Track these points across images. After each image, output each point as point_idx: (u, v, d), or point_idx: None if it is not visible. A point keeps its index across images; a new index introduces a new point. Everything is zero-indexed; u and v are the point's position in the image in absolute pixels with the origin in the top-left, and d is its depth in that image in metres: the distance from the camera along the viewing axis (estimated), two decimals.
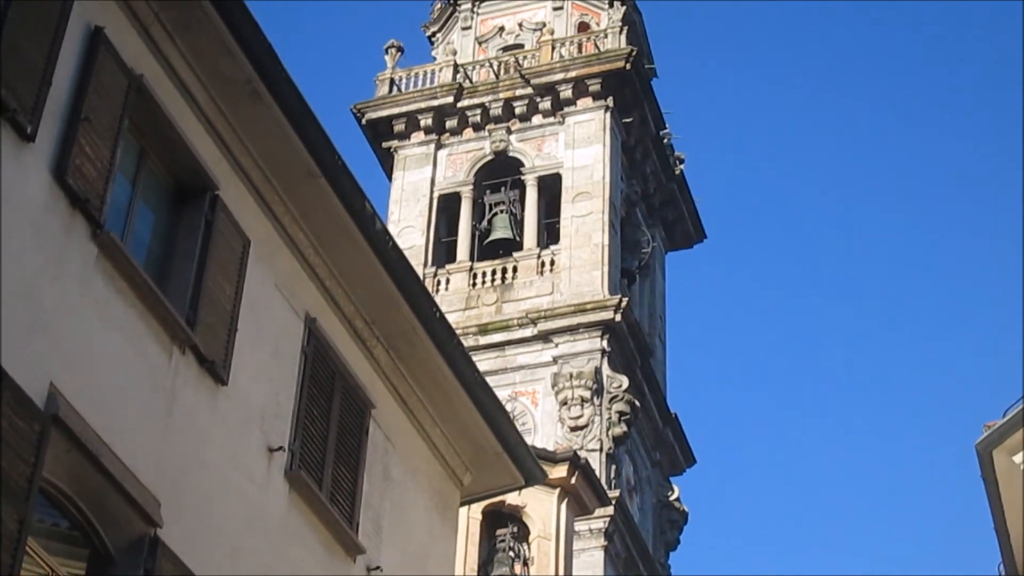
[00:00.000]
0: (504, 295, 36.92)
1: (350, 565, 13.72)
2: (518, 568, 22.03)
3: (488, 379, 16.69)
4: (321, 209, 13.53)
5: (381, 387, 14.83)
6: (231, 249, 12.46)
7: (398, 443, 15.02)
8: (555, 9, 43.16)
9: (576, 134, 39.11)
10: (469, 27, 43.71)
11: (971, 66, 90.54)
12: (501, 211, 38.82)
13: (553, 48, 40.59)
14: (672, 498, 38.04)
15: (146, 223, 11.98)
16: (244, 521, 12.19)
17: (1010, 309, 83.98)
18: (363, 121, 40.64)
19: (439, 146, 40.19)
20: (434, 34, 44.62)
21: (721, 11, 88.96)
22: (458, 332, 17.34)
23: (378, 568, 14.11)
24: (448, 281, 37.69)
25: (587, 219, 37.55)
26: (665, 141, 42.28)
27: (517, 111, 39.92)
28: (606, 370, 34.78)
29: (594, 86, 39.32)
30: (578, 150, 38.79)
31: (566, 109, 39.50)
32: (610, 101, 39.30)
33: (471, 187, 39.40)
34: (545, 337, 35.43)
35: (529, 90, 39.78)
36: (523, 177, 39.28)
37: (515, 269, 37.48)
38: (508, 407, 24.70)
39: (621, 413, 34.37)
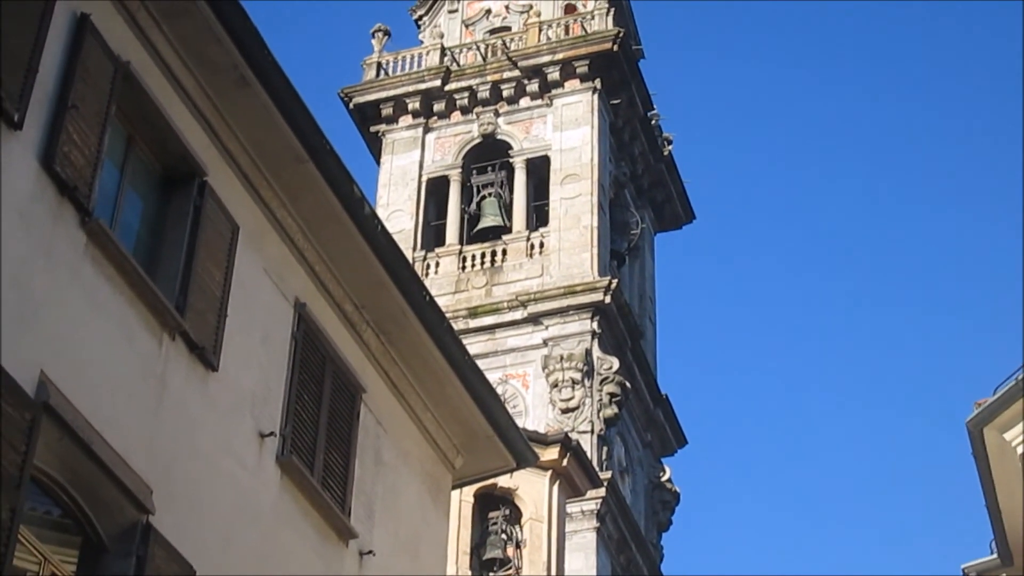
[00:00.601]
0: (494, 278, 36.90)
1: (343, 549, 13.73)
2: (511, 550, 22.08)
3: (479, 362, 16.70)
4: (310, 194, 13.52)
5: (372, 371, 14.83)
6: (220, 235, 12.45)
7: (389, 427, 15.02)
8: None
9: (564, 116, 39.10)
10: (456, 10, 43.65)
11: (955, 40, 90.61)
12: (490, 194, 38.79)
13: (540, 30, 40.56)
14: (664, 479, 38.08)
15: (135, 210, 11.96)
16: (236, 507, 12.19)
17: (1000, 287, 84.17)
18: (351, 105, 40.60)
19: (427, 130, 40.16)
20: (421, 17, 44.54)
21: None
22: (448, 315, 17.34)
23: (371, 552, 14.12)
24: (437, 264, 37.68)
25: (576, 201, 37.55)
26: (653, 122, 42.28)
27: (505, 94, 39.88)
28: (596, 352, 34.80)
29: (581, 68, 39.30)
30: (566, 132, 38.78)
31: (554, 91, 39.47)
32: (597, 83, 39.27)
33: (459, 170, 39.37)
34: (535, 319, 35.44)
35: (516, 72, 39.75)
36: (511, 160, 39.26)
37: (504, 252, 37.47)
38: (499, 390, 24.74)
39: (612, 395, 34.39)
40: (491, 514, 22.09)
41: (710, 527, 77.80)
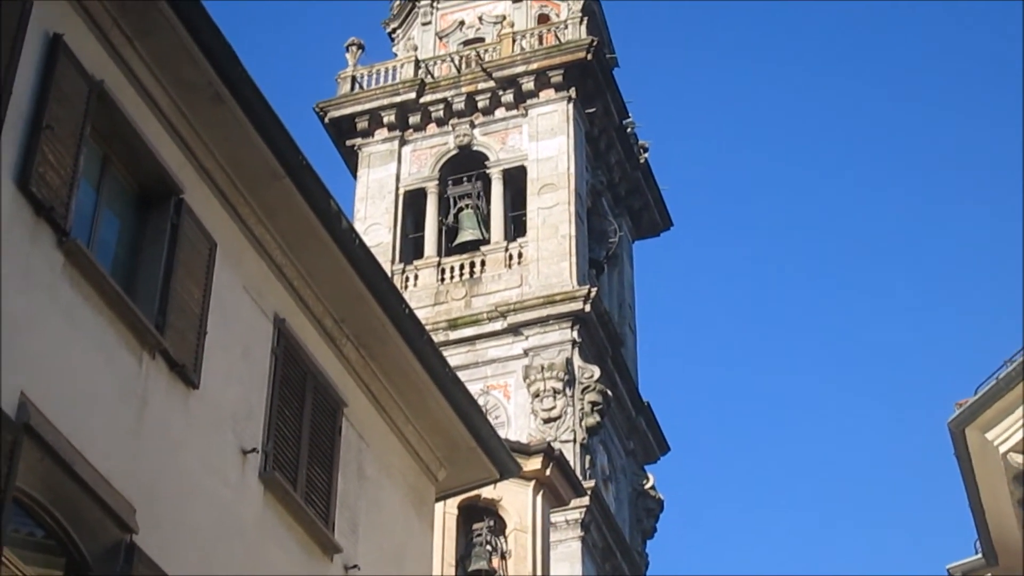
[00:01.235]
0: (473, 289, 36.91)
1: (327, 564, 13.71)
2: (496, 561, 22.04)
3: (459, 374, 16.70)
4: (287, 210, 13.52)
5: (352, 385, 14.82)
6: (198, 252, 12.44)
7: (371, 441, 15.01)
8: (514, 2, 43.11)
9: (539, 126, 39.14)
10: (429, 22, 43.67)
11: (946, 31, 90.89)
12: (467, 207, 38.82)
13: (514, 41, 40.60)
14: (647, 486, 38.11)
15: (112, 229, 11.94)
16: (220, 524, 12.17)
17: (983, 288, 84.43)
18: (326, 120, 40.60)
19: (403, 142, 40.17)
20: (394, 31, 44.58)
21: None
22: (428, 328, 17.33)
23: (355, 566, 14.10)
24: (416, 277, 37.68)
25: (553, 210, 37.59)
26: (628, 130, 42.36)
27: (480, 105, 39.91)
28: (577, 361, 34.82)
29: (556, 77, 39.35)
30: (542, 142, 38.82)
31: (529, 101, 39.52)
32: (572, 92, 39.33)
33: (436, 182, 39.38)
34: (515, 330, 35.46)
35: (491, 83, 39.79)
36: (488, 171, 39.29)
37: (483, 263, 37.48)
38: (480, 401, 24.75)
39: (594, 403, 34.40)
40: (475, 525, 22.04)
41: (695, 533, 77.89)
